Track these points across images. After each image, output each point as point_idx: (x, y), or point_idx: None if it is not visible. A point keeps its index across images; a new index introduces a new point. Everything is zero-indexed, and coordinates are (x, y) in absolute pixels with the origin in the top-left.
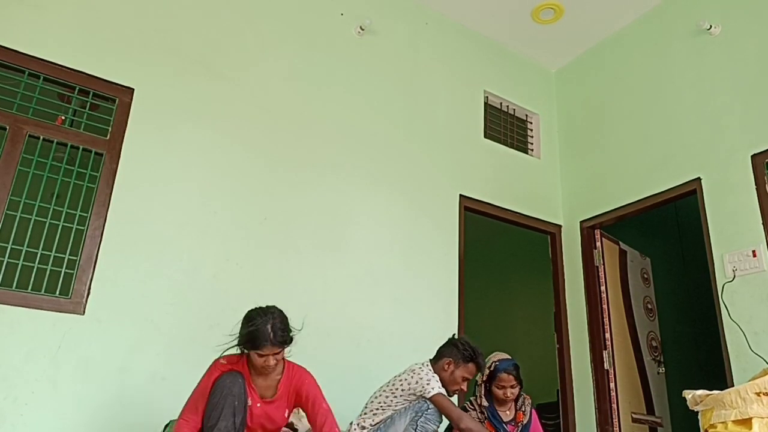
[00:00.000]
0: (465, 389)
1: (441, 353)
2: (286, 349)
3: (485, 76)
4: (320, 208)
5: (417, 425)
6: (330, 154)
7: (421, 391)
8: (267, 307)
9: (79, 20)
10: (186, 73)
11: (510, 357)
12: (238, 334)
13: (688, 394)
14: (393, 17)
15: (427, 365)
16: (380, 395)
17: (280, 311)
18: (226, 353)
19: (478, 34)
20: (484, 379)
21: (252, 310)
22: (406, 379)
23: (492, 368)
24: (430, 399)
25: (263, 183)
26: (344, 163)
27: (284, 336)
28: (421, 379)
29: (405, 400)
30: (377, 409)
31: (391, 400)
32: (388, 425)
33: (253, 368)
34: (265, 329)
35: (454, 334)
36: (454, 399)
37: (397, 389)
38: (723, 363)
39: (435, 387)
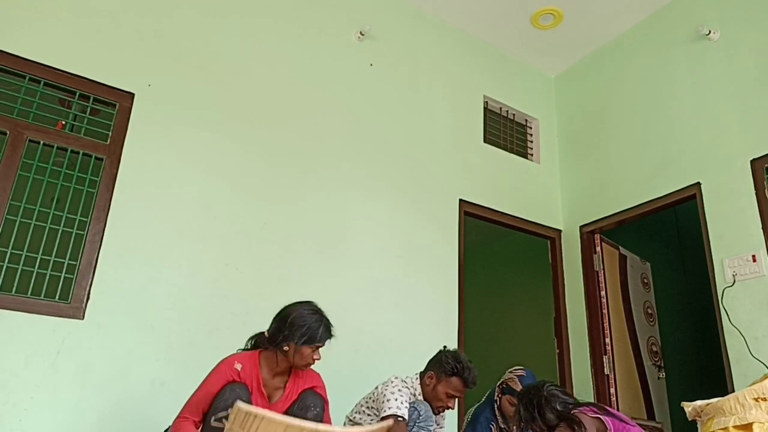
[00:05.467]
0: (451, 407)
1: (427, 365)
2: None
3: (485, 81)
4: (320, 214)
5: None
6: (330, 160)
7: (380, 407)
8: (306, 302)
9: (80, 25)
10: (186, 78)
11: (533, 376)
12: (279, 331)
13: (688, 406)
14: (393, 23)
15: (410, 379)
16: (360, 404)
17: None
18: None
19: (477, 39)
20: (500, 387)
21: (299, 306)
22: (377, 389)
23: (513, 382)
24: (382, 419)
25: (263, 188)
26: (344, 168)
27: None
28: (385, 394)
29: (368, 415)
30: (351, 419)
31: (362, 414)
32: None
33: (285, 365)
34: (324, 325)
35: (444, 346)
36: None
37: (369, 400)
38: (723, 368)
39: (393, 407)
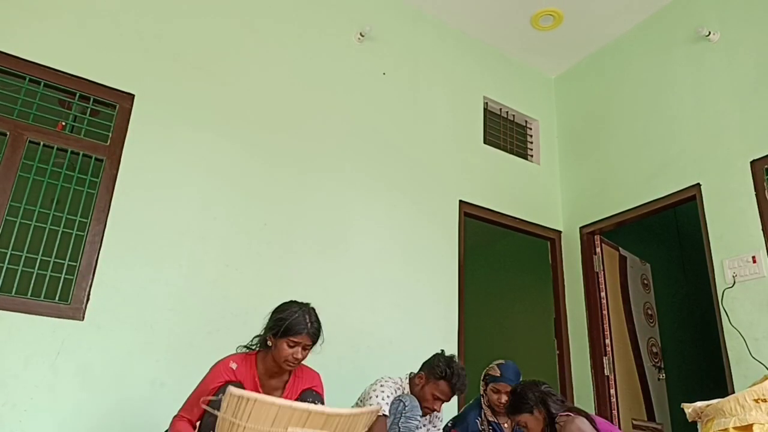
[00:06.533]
0: (437, 409)
1: (420, 367)
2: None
3: (485, 82)
4: (320, 214)
5: (399, 428)
6: (330, 161)
7: (363, 405)
8: (302, 303)
9: (80, 26)
10: (186, 79)
11: (514, 364)
12: (266, 325)
13: (688, 408)
14: (393, 24)
15: (400, 379)
16: (352, 407)
17: (315, 310)
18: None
19: (477, 40)
20: (484, 380)
21: (289, 301)
22: (364, 390)
23: (492, 370)
24: None
25: (263, 189)
26: (344, 169)
27: (319, 330)
28: (369, 392)
29: None
30: None
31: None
32: None
33: (273, 363)
34: (303, 318)
35: (442, 350)
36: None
37: (359, 401)
38: (723, 369)
39: (374, 403)
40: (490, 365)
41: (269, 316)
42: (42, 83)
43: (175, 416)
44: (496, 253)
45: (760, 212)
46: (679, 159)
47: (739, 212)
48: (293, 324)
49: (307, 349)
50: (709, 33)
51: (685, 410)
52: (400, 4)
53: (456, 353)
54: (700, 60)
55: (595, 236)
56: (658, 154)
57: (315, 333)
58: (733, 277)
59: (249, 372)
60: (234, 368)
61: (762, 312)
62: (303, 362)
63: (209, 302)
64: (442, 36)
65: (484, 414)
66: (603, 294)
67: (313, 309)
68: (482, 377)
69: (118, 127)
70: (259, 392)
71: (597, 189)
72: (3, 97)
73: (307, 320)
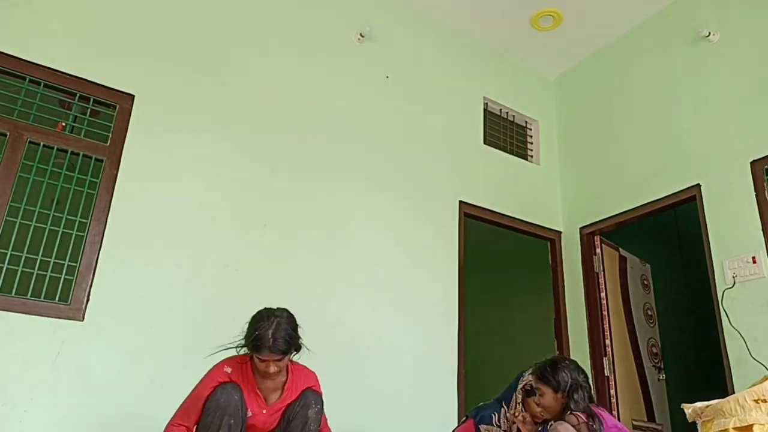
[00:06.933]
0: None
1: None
2: (295, 355)
3: (485, 83)
4: (320, 215)
5: None
6: (330, 161)
7: None
8: (275, 309)
9: (80, 27)
10: (186, 80)
11: None
12: (245, 334)
13: (688, 408)
14: (393, 24)
15: None
16: None
17: (289, 315)
18: (229, 352)
19: (477, 41)
20: (525, 388)
21: (261, 310)
22: None
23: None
24: None
25: (263, 189)
26: (344, 169)
27: (287, 343)
28: None
29: None
30: None
31: None
32: None
33: (257, 372)
34: (266, 335)
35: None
36: None
37: None
38: (723, 370)
39: None
40: (530, 377)
41: (248, 324)
42: (42, 83)
43: (169, 423)
44: (496, 253)
45: (760, 213)
46: (679, 159)
47: (739, 213)
48: (257, 343)
49: (279, 360)
50: (709, 33)
51: (685, 411)
52: (400, 4)
53: (456, 354)
54: (700, 60)
55: (595, 237)
56: (658, 154)
57: (279, 348)
58: (733, 277)
59: (246, 375)
60: (228, 372)
61: (762, 312)
62: (299, 362)
63: (209, 303)
64: (442, 36)
65: (506, 420)
66: (603, 294)
67: (282, 319)
68: (522, 387)
69: (118, 127)
70: (257, 394)
71: (597, 189)
72: (3, 97)
73: (269, 336)
